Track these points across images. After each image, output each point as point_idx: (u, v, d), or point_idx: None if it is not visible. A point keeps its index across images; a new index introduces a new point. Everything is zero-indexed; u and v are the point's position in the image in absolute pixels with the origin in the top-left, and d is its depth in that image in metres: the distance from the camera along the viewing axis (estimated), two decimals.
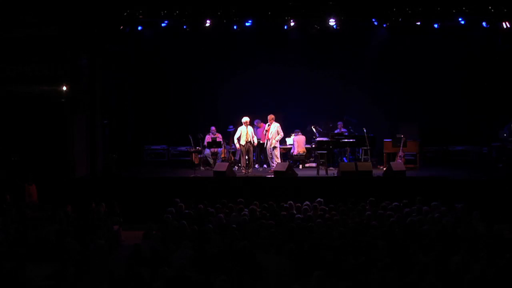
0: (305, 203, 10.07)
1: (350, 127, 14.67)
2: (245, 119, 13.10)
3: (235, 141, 13.23)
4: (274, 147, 13.20)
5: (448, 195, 10.87)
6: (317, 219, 9.02)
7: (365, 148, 13.38)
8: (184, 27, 14.07)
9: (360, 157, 13.88)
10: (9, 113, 12.59)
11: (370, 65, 15.37)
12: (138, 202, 11.47)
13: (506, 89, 14.49)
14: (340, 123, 14.74)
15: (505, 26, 13.18)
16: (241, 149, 13.17)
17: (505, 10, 12.67)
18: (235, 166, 14.12)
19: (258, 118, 14.31)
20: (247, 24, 13.82)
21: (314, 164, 13.99)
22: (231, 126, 14.95)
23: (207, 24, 13.53)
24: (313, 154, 14.45)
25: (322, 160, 13.31)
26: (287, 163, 12.54)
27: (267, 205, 9.95)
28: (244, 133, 13.01)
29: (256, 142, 13.25)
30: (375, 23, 13.77)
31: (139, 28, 14.10)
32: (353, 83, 15.56)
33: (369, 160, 13.13)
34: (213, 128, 14.35)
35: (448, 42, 14.73)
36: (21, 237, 8.40)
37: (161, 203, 10.73)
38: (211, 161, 14.10)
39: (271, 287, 6.47)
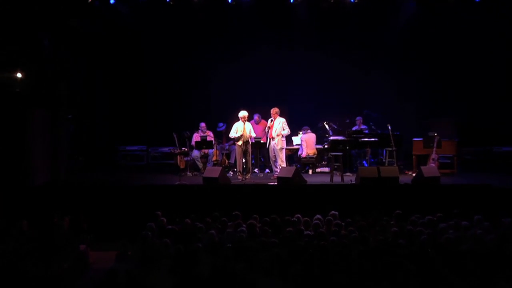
0: (315, 217, 10.04)
1: (371, 123, 14.73)
2: (243, 113, 13.09)
3: (232, 136, 13.14)
4: (281, 148, 13.23)
5: (492, 207, 10.86)
6: (331, 236, 8.98)
7: (390, 149, 13.41)
8: (167, 0, 14.07)
9: (384, 161, 13.89)
10: None
11: (396, 48, 15.41)
12: (111, 216, 11.47)
13: None
14: (359, 119, 14.79)
15: None
16: (237, 150, 13.13)
17: None
18: (230, 171, 14.11)
19: (258, 112, 14.33)
20: None
21: (327, 169, 14.01)
22: (221, 124, 15.00)
23: None
24: (325, 157, 14.48)
25: (337, 164, 13.32)
26: (293, 168, 12.52)
27: (269, 220, 9.92)
28: (241, 130, 12.97)
29: (252, 140, 13.18)
30: None
31: (112, 1, 14.06)
32: (375, 70, 15.64)
33: (395, 164, 13.15)
34: (202, 124, 14.36)
35: (492, 20, 14.71)
36: None
37: (138, 217, 10.74)
38: (200, 165, 14.12)
39: None
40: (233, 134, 13.10)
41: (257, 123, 14.30)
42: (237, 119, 13.17)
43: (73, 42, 14.06)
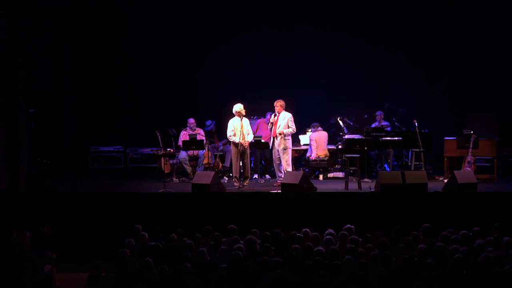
0: (327, 232, 10.05)
1: (394, 119, 14.81)
2: (238, 107, 13.08)
3: (229, 136, 13.16)
4: (284, 148, 13.20)
5: None
6: (346, 255, 9.00)
7: (417, 150, 13.45)
8: None
9: (410, 164, 13.95)
10: None
11: (424, 28, 15.44)
12: (81, 231, 11.50)
13: None
14: (379, 114, 14.85)
15: None
16: (233, 151, 13.18)
17: None
18: (225, 177, 14.12)
19: (257, 107, 14.34)
20: None
21: (340, 174, 14.07)
22: (208, 122, 15.02)
23: None
24: (339, 159, 14.51)
25: (353, 168, 13.33)
26: (301, 172, 12.57)
27: (271, 235, 9.93)
28: (238, 127, 12.99)
29: (249, 140, 13.15)
30: None
31: None
32: (399, 56, 15.66)
33: (423, 168, 13.16)
34: (191, 120, 14.39)
35: None
36: None
37: (114, 231, 10.79)
38: (188, 169, 14.15)
39: None
40: (230, 133, 13.10)
41: (254, 119, 14.44)
42: (230, 115, 13.19)
43: (35, 21, 14.05)
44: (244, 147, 13.01)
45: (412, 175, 12.33)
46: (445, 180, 12.98)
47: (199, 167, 14.07)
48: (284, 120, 13.22)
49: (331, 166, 14.46)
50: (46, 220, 11.08)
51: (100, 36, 16.02)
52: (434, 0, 15.27)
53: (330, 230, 10.08)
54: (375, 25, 15.58)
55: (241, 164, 13.06)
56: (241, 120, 13.05)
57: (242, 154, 13.03)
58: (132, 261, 8.94)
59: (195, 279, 8.27)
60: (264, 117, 14.47)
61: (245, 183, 13.00)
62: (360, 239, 9.72)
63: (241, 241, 9.58)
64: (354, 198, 12.10)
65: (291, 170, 13.17)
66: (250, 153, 13.43)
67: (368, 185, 12.84)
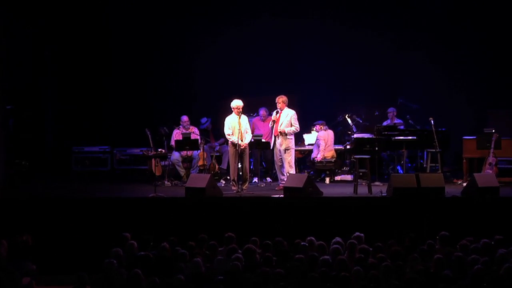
0: (334, 240, 10.02)
1: (408, 117, 14.80)
2: (237, 103, 13.00)
3: (228, 135, 13.13)
4: (287, 149, 13.15)
5: None
6: (355, 266, 8.98)
7: (433, 150, 13.43)
8: None
9: (425, 166, 13.95)
10: None
11: (441, 21, 15.47)
12: (64, 239, 11.46)
13: None
14: (391, 110, 14.85)
15: None
16: (230, 152, 13.16)
17: None
18: (221, 180, 14.11)
19: (257, 103, 14.33)
20: None
21: (349, 177, 14.08)
22: (204, 119, 14.99)
23: None
24: (347, 161, 14.52)
25: (363, 171, 13.35)
26: (305, 175, 12.55)
27: (272, 244, 9.92)
28: (236, 125, 12.96)
29: (247, 140, 13.09)
30: None
31: None
32: (413, 48, 15.64)
33: (440, 171, 13.15)
34: (184, 118, 14.39)
35: None
36: None
37: (100, 240, 10.76)
38: (181, 171, 14.15)
39: None
40: (227, 132, 13.05)
41: (264, 120, 14.34)
42: (228, 112, 13.17)
43: (16, 8, 14.04)
44: (242, 147, 12.95)
45: (428, 178, 12.31)
46: (464, 184, 12.99)
47: (194, 169, 14.07)
48: (286, 118, 13.21)
49: (339, 168, 14.46)
50: (24, 228, 11.00)
51: (85, 28, 16.02)
52: None
53: (338, 239, 10.05)
54: (388, 14, 15.59)
55: (239, 166, 13.03)
56: (239, 117, 12.98)
57: (240, 155, 12.99)
58: (119, 272, 8.90)
59: None
60: (258, 114, 14.45)
61: (244, 187, 12.98)
62: (371, 249, 9.69)
63: (239, 251, 9.57)
64: (363, 203, 12.07)
65: (294, 172, 13.16)
66: (249, 153, 13.40)
67: (379, 189, 12.79)
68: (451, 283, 8.37)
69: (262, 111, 14.42)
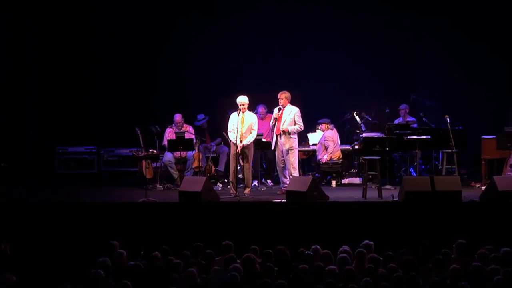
0: (341, 249, 10.02)
1: (421, 114, 14.84)
2: (242, 99, 12.87)
3: (228, 132, 13.10)
4: (290, 149, 13.12)
5: None
6: (364, 276, 8.96)
7: (449, 151, 13.45)
8: None
9: (440, 168, 14.02)
10: None
11: (458, 11, 15.52)
12: (46, 248, 11.41)
13: None
14: (403, 107, 14.88)
15: None
16: (231, 151, 13.14)
17: None
18: (218, 183, 14.12)
19: (256, 100, 14.26)
20: None
21: (357, 180, 14.14)
22: (201, 115, 14.98)
23: None
24: (355, 162, 14.59)
25: (372, 173, 13.37)
26: (309, 178, 12.56)
27: (273, 253, 9.90)
28: (236, 123, 12.87)
29: (247, 141, 12.97)
30: None
31: None
32: (427, 40, 15.71)
33: (456, 173, 13.17)
34: (177, 117, 14.41)
35: None
36: None
37: (86, 249, 10.75)
38: (175, 174, 14.18)
39: None
40: (229, 128, 12.98)
41: (263, 118, 14.35)
42: (226, 109, 13.27)
43: None
44: (242, 148, 12.89)
45: (443, 181, 12.30)
46: (483, 187, 12.98)
47: (188, 172, 14.11)
48: (290, 116, 13.16)
49: (346, 170, 14.53)
50: (2, 236, 11.01)
51: (69, 21, 16.07)
52: None
53: (345, 247, 10.04)
54: (400, 3, 15.60)
55: (238, 168, 13.03)
56: (243, 115, 12.86)
57: (242, 156, 12.95)
58: (107, 284, 8.90)
59: None
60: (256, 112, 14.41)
61: (245, 192, 12.99)
62: (381, 258, 9.66)
63: (238, 260, 9.54)
64: (373, 208, 12.07)
65: (297, 175, 13.16)
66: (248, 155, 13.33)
67: (390, 193, 12.78)
68: None
69: (261, 108, 14.44)
